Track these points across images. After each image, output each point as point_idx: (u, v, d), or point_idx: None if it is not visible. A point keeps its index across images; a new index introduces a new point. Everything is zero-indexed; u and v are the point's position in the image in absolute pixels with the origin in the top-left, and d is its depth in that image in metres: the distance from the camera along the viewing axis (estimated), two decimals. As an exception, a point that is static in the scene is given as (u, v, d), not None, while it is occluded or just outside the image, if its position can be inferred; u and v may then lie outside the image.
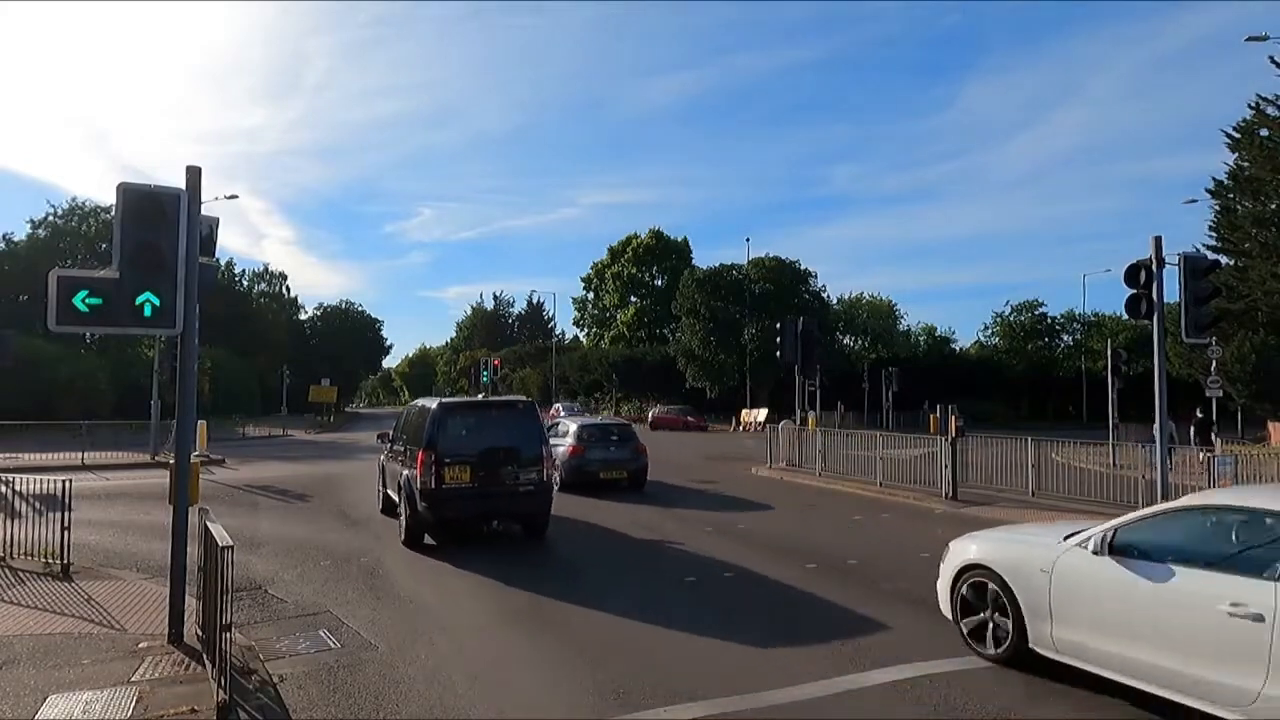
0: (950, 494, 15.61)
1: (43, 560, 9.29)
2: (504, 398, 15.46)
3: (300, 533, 12.40)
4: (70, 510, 9.11)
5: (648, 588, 9.03)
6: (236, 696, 5.15)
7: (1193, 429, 21.75)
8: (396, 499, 12.34)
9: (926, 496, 15.99)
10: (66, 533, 9.04)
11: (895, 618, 7.63)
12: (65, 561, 9.04)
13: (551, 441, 14.89)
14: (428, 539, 11.44)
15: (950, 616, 6.76)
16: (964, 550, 6.75)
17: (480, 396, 19.29)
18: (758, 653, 6.63)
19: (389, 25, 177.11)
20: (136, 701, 5.33)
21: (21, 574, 9.04)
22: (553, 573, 9.88)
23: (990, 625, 6.33)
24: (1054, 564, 5.89)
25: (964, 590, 6.59)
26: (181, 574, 6.64)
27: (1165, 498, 12.13)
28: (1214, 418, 22.94)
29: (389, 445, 13.78)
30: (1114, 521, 5.84)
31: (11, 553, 9.55)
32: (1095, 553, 5.64)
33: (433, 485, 10.96)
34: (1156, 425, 12.56)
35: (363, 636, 7.08)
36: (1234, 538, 5.26)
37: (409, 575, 9.57)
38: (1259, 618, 4.62)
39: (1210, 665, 4.84)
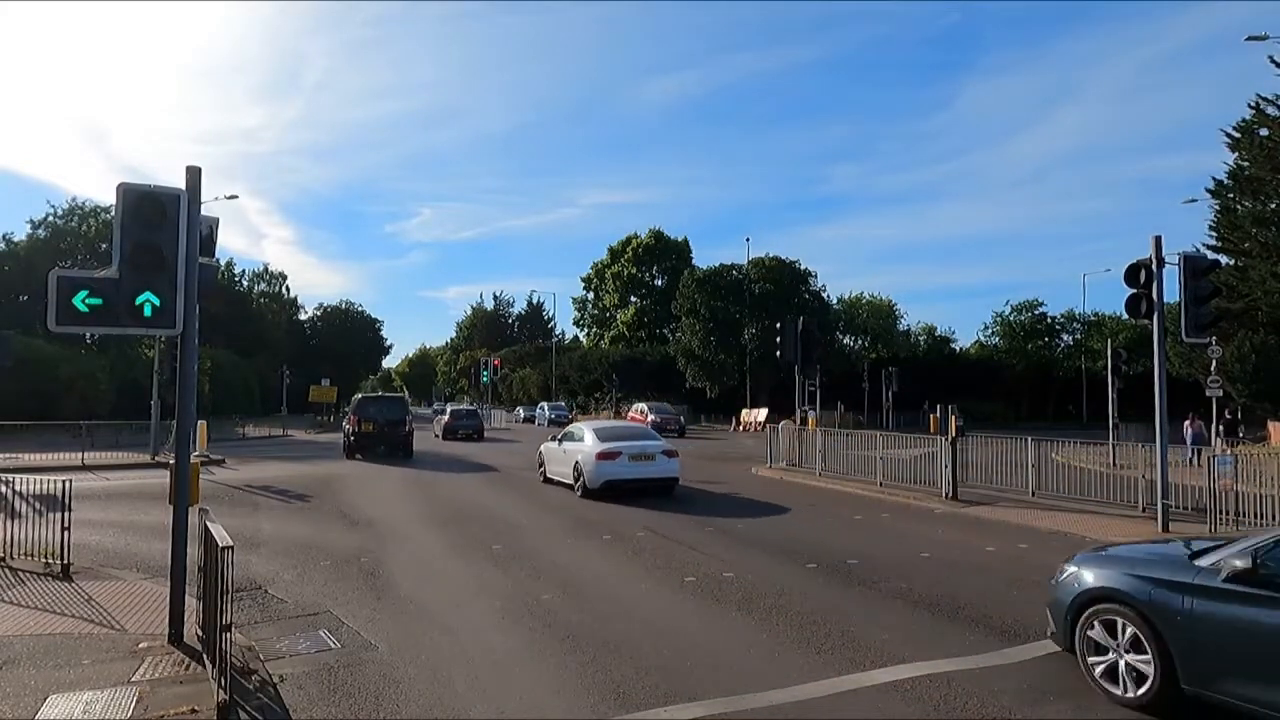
0: (950, 494, 15.60)
1: (43, 560, 9.29)
2: (392, 394, 40.20)
3: (300, 533, 12.40)
4: (70, 510, 9.10)
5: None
6: (237, 696, 5.16)
7: (1222, 429, 22.22)
8: (344, 439, 26.81)
9: (926, 496, 15.99)
10: (66, 533, 9.03)
11: (890, 614, 7.62)
12: (65, 562, 9.04)
13: (437, 418, 39.04)
14: (358, 456, 25.57)
15: None
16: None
17: (378, 393, 43.53)
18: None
19: (388, 25, 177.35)
20: (137, 702, 5.33)
21: (22, 574, 9.04)
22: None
23: None
24: None
25: None
26: (181, 574, 6.64)
27: (1165, 497, 12.15)
28: (1239, 417, 23.67)
29: (345, 415, 29.78)
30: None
31: (11, 553, 9.55)
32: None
33: (357, 430, 25.77)
34: (1157, 425, 12.55)
35: (363, 636, 7.08)
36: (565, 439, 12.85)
37: (410, 575, 9.57)
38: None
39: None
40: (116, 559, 10.38)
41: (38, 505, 10.13)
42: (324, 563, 10.21)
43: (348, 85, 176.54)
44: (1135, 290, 12.39)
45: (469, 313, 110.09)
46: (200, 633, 6.27)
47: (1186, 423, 23.15)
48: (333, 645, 6.85)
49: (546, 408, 57.75)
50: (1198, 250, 17.90)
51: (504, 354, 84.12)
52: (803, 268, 59.22)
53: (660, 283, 79.88)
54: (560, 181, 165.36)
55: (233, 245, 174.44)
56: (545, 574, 9.52)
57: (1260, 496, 11.81)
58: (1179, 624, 5.12)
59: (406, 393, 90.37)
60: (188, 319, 6.52)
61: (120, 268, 6.28)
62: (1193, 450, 19.07)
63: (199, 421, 18.04)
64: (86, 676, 5.83)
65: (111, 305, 6.27)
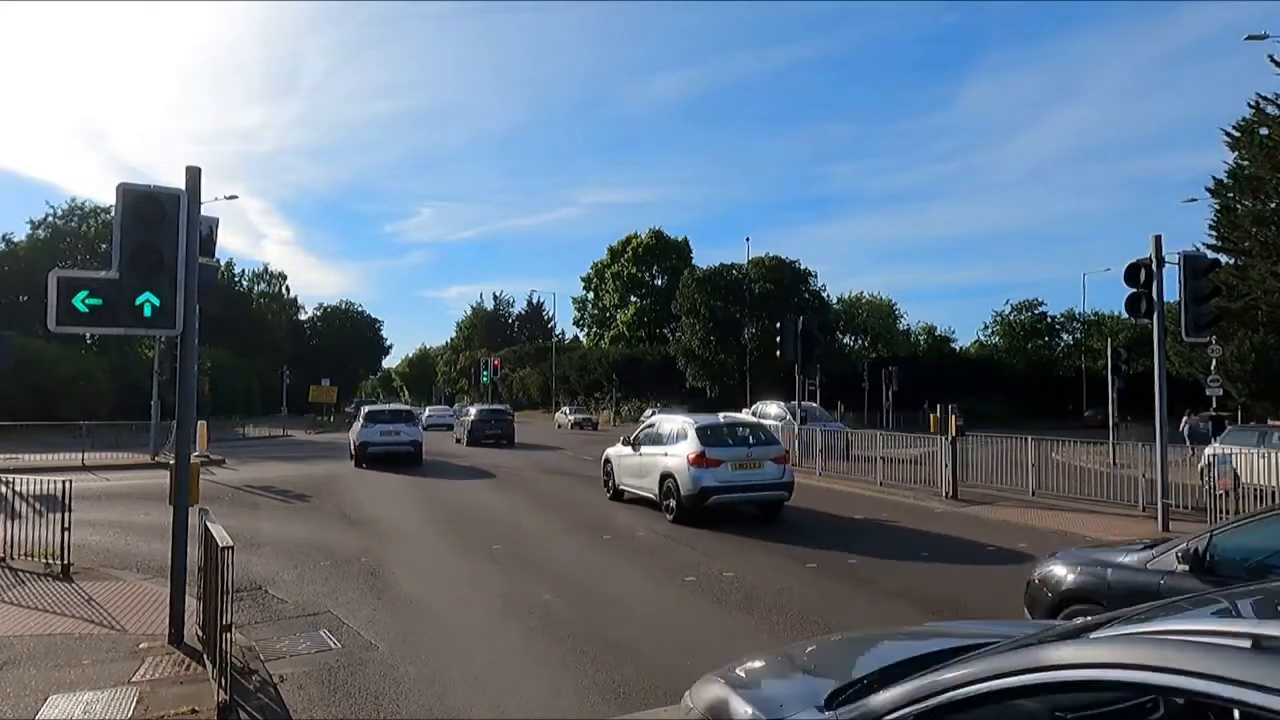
0: (950, 493, 15.61)
1: (43, 561, 9.29)
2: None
3: (300, 533, 12.40)
4: (70, 511, 9.10)
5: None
6: (237, 697, 5.16)
7: (1210, 425, 22.51)
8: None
9: (927, 496, 15.99)
10: (67, 533, 9.03)
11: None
12: (65, 562, 9.04)
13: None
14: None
15: None
16: None
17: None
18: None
19: (387, 24, 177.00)
20: (137, 702, 5.33)
21: (22, 574, 9.04)
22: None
23: None
24: None
25: None
26: (182, 574, 6.64)
27: (1165, 496, 12.14)
28: (1236, 417, 24.23)
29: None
30: None
31: (12, 553, 9.55)
32: None
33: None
34: (1156, 425, 12.55)
35: (363, 636, 7.08)
36: None
37: (410, 574, 9.57)
38: None
39: None
40: (116, 559, 10.38)
41: (38, 505, 10.14)
42: (324, 563, 10.21)
43: (346, 84, 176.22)
44: (1135, 289, 12.39)
45: (469, 313, 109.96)
46: (200, 633, 6.27)
47: (1184, 420, 23.20)
48: (333, 645, 6.85)
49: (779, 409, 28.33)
50: (1198, 249, 17.91)
51: (504, 354, 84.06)
52: (803, 267, 59.28)
53: (660, 283, 79.89)
54: (560, 181, 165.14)
55: (233, 245, 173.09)
56: (545, 573, 9.52)
57: (1261, 494, 11.82)
58: None
59: (406, 393, 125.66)
60: (188, 319, 6.52)
61: (120, 268, 6.27)
62: (1191, 448, 19.10)
63: (199, 422, 18.05)
64: (87, 676, 5.83)
65: (111, 305, 6.26)
